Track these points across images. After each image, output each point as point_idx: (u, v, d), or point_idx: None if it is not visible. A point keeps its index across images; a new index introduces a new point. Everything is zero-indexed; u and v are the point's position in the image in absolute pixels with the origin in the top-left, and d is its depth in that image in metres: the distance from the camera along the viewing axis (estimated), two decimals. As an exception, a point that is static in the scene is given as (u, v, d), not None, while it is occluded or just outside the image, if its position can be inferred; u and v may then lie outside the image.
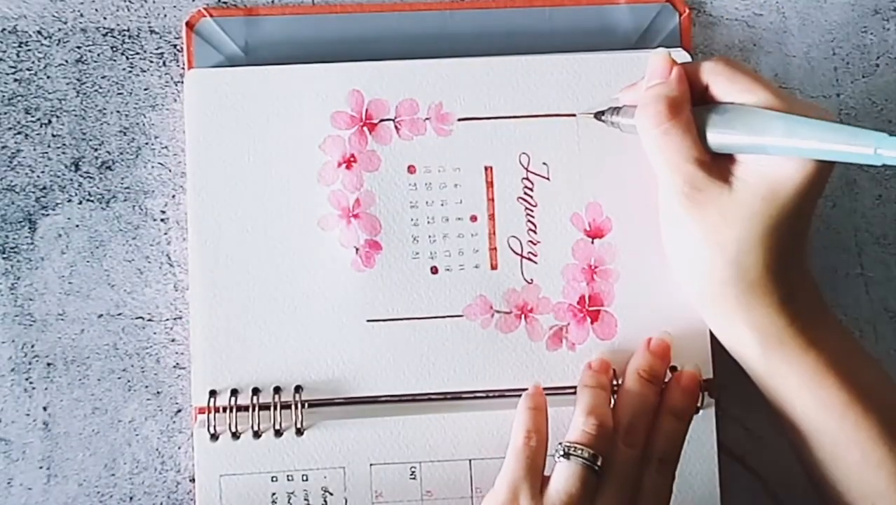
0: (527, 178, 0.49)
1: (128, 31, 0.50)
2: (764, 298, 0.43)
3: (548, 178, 0.49)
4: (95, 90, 0.50)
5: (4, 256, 0.49)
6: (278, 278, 0.48)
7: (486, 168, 0.49)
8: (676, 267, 0.46)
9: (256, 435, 0.47)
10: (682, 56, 0.49)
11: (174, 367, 0.49)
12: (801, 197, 0.41)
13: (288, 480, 0.47)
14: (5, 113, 0.49)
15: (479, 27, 0.50)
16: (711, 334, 0.47)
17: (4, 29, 0.50)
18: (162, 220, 0.50)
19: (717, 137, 0.42)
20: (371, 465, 0.48)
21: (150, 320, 0.49)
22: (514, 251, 0.49)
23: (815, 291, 0.45)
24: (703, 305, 0.45)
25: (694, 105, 0.44)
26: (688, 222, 0.43)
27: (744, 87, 0.42)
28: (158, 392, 0.49)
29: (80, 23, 0.50)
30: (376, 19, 0.50)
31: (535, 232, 0.49)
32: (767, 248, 0.42)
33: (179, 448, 0.49)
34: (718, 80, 0.43)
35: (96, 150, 0.50)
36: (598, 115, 0.48)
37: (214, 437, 0.47)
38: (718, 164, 0.43)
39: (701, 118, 0.43)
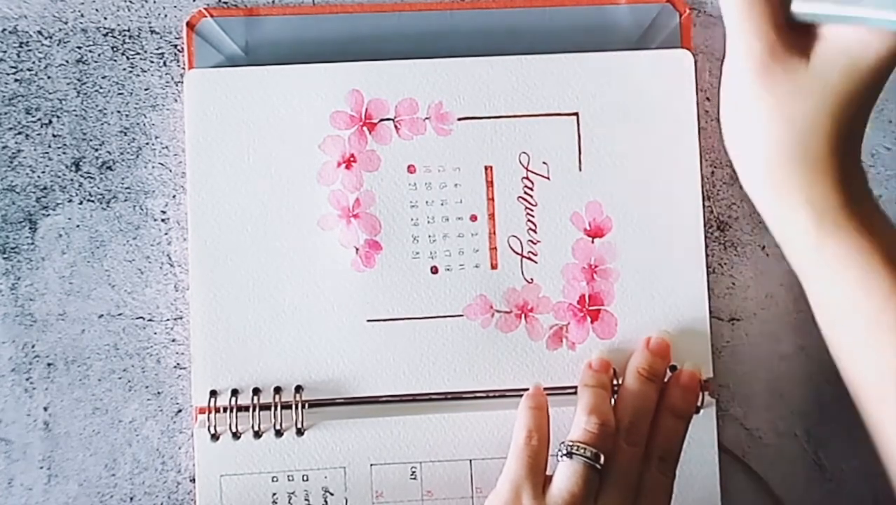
0: (527, 178, 0.49)
1: (128, 31, 0.50)
2: (825, 176, 0.42)
3: (548, 178, 0.49)
4: (96, 90, 0.50)
5: (5, 256, 0.49)
6: (278, 278, 0.48)
7: (486, 168, 0.49)
8: (735, 147, 0.44)
9: (257, 435, 0.47)
10: (685, 56, 0.49)
11: (174, 367, 0.49)
12: (880, 72, 0.41)
13: (288, 480, 0.47)
14: (6, 113, 0.49)
15: (479, 27, 0.50)
16: (710, 334, 0.48)
17: (5, 29, 0.50)
18: (162, 220, 0.50)
19: (803, 5, 0.41)
20: (371, 465, 0.48)
21: (150, 320, 0.49)
22: (515, 251, 0.49)
23: (865, 178, 0.44)
24: (759, 185, 0.44)
25: None
26: (758, 93, 0.42)
27: None
28: (159, 392, 0.49)
29: (81, 23, 0.50)
30: (376, 19, 0.50)
31: (535, 231, 0.49)
32: (836, 124, 0.42)
33: (180, 448, 0.49)
34: None
35: (97, 150, 0.50)
36: None
37: (215, 437, 0.47)
38: (798, 37, 0.42)
39: None
